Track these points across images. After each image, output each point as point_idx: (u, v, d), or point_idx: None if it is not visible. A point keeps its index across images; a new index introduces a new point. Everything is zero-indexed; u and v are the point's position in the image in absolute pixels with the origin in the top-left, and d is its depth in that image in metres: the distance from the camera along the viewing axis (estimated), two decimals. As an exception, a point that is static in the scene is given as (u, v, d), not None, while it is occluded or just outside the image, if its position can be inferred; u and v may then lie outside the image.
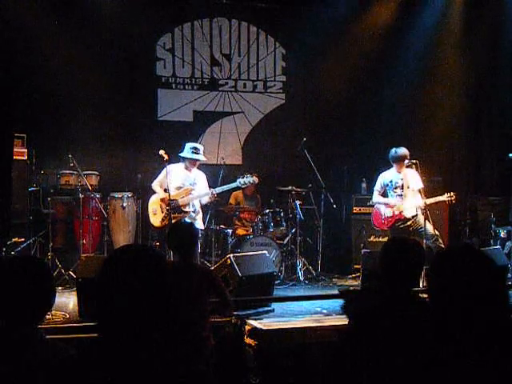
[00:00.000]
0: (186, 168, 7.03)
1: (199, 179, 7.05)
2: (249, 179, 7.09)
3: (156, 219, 7.01)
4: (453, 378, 1.97)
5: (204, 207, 8.09)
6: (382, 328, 2.52)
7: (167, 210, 6.80)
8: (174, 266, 4.07)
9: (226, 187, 7.18)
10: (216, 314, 4.44)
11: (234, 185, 7.15)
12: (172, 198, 6.83)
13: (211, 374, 3.89)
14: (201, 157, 7.06)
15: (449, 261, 2.06)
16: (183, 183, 6.99)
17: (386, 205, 7.40)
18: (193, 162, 7.01)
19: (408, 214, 7.24)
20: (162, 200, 6.93)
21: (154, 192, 7.09)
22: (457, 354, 1.96)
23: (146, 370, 1.78)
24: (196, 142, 9.59)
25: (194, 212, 6.97)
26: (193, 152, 7.00)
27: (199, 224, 6.96)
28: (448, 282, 2.00)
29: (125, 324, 1.79)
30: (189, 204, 6.93)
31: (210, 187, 7.12)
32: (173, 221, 6.64)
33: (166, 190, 6.86)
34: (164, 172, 6.95)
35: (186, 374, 1.87)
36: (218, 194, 7.02)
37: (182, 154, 7.02)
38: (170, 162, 6.83)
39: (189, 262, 4.15)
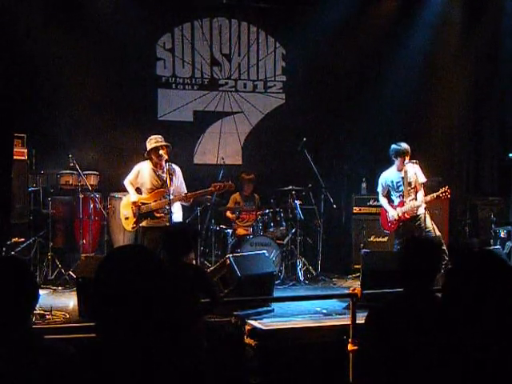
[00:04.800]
0: (155, 165, 6.51)
1: (173, 176, 6.41)
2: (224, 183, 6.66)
3: (127, 224, 6.61)
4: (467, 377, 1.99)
5: (204, 208, 8.10)
6: (397, 326, 2.53)
7: (138, 214, 6.46)
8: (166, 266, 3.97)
9: (200, 192, 6.62)
10: (204, 312, 4.39)
11: (208, 189, 6.62)
12: (143, 201, 6.48)
13: (208, 374, 3.88)
14: (161, 142, 6.47)
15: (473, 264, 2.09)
16: (154, 184, 6.51)
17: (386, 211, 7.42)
18: (157, 154, 6.43)
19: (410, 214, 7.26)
20: (134, 203, 6.50)
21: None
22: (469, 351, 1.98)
23: (145, 370, 1.78)
24: (196, 141, 9.68)
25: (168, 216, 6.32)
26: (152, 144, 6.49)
27: None
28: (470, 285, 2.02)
29: (122, 324, 1.79)
30: (162, 208, 6.40)
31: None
32: (142, 224, 6.44)
33: (137, 190, 6.53)
34: (135, 171, 6.60)
35: (184, 374, 1.87)
36: (191, 195, 6.48)
37: (146, 153, 6.55)
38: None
39: (180, 262, 4.03)
